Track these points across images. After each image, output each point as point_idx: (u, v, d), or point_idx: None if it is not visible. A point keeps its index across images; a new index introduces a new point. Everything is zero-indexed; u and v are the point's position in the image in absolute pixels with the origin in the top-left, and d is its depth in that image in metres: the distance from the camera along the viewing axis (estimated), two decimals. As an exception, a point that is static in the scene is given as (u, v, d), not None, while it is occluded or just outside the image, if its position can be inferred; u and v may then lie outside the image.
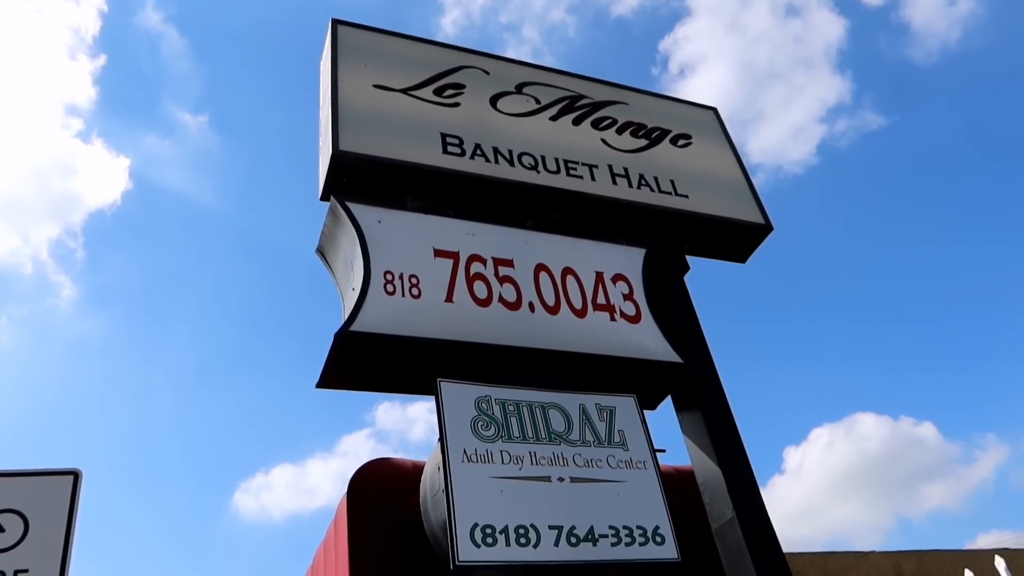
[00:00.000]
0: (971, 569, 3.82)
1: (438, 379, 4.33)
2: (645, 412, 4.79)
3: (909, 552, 7.00)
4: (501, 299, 4.83)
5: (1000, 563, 3.86)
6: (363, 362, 4.54)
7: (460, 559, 3.75)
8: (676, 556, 4.19)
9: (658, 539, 4.21)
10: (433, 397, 4.40)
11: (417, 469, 5.11)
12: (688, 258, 6.01)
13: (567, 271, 5.17)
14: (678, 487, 5.13)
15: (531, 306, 4.87)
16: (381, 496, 4.96)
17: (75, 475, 3.16)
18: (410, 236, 4.90)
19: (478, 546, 3.82)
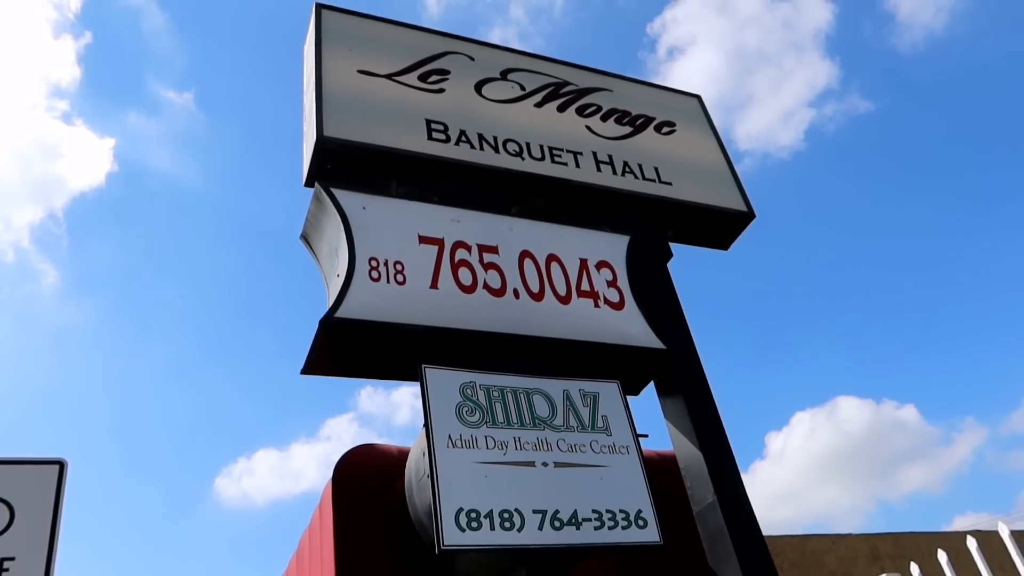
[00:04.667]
0: (945, 551, 3.91)
1: (423, 365, 4.35)
2: (628, 397, 4.85)
3: (886, 534, 7.14)
4: (486, 285, 4.85)
5: (972, 543, 3.95)
6: (348, 348, 4.55)
7: (445, 543, 3.79)
8: (658, 539, 4.26)
9: (640, 523, 4.27)
10: (418, 383, 4.44)
11: (402, 455, 5.14)
12: (672, 245, 6.05)
13: (552, 258, 5.20)
14: (660, 471, 5.19)
15: (515, 292, 4.90)
16: (366, 482, 4.99)
17: (61, 464, 3.16)
18: (395, 222, 4.90)
19: (463, 530, 3.86)
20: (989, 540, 2.31)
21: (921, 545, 7.10)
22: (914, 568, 2.19)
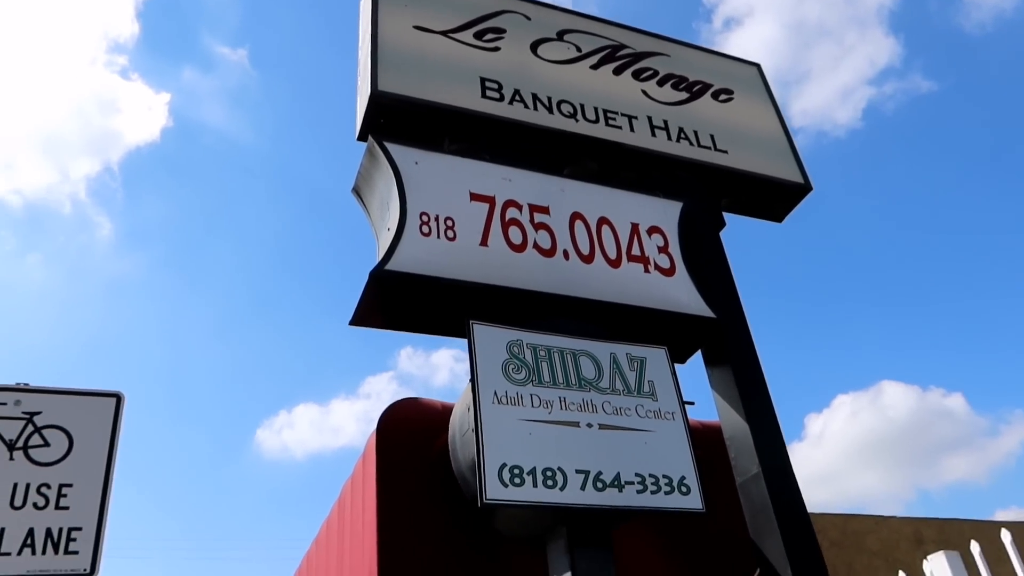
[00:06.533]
0: (987, 540, 3.80)
1: (471, 321, 4.34)
2: (675, 365, 4.79)
3: (931, 519, 6.99)
4: (536, 245, 4.81)
5: (1006, 536, 3.83)
6: (396, 301, 4.57)
7: (488, 497, 3.80)
8: (701, 507, 4.22)
9: (684, 489, 4.24)
10: (464, 339, 4.44)
11: (446, 410, 5.17)
12: (725, 216, 5.93)
13: (603, 221, 5.13)
14: (702, 441, 5.14)
15: (565, 254, 4.85)
16: (410, 434, 5.03)
17: (118, 397, 3.23)
18: (447, 179, 4.88)
19: (506, 485, 3.87)
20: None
21: (966, 533, 6.96)
22: (975, 546, 2.12)
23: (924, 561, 2.41)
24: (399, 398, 5.25)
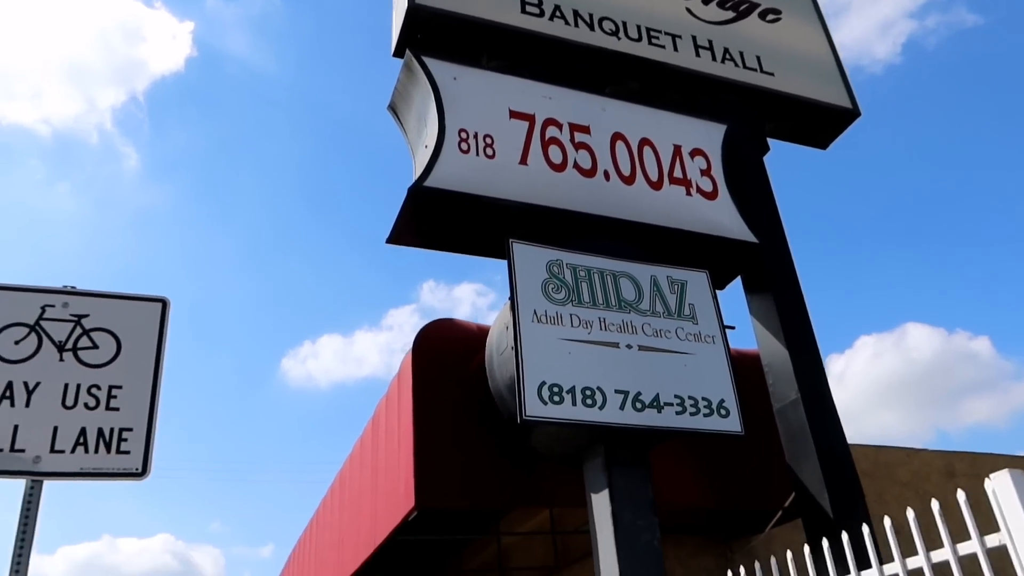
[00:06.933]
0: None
1: (511, 240, 4.29)
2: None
3: (963, 453, 6.97)
4: (576, 165, 4.71)
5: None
6: (434, 219, 4.51)
7: (527, 414, 3.81)
8: (740, 430, 4.21)
9: (723, 412, 4.22)
10: (494, 265, 4.39)
11: (481, 332, 5.17)
12: (768, 140, 5.76)
13: (644, 142, 5.00)
14: (737, 369, 5.11)
15: (606, 174, 4.75)
16: (445, 353, 5.04)
17: (164, 302, 3.24)
18: (486, 95, 4.76)
19: (545, 403, 3.87)
20: None
21: (1000, 467, 6.91)
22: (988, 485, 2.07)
23: (963, 489, 2.36)
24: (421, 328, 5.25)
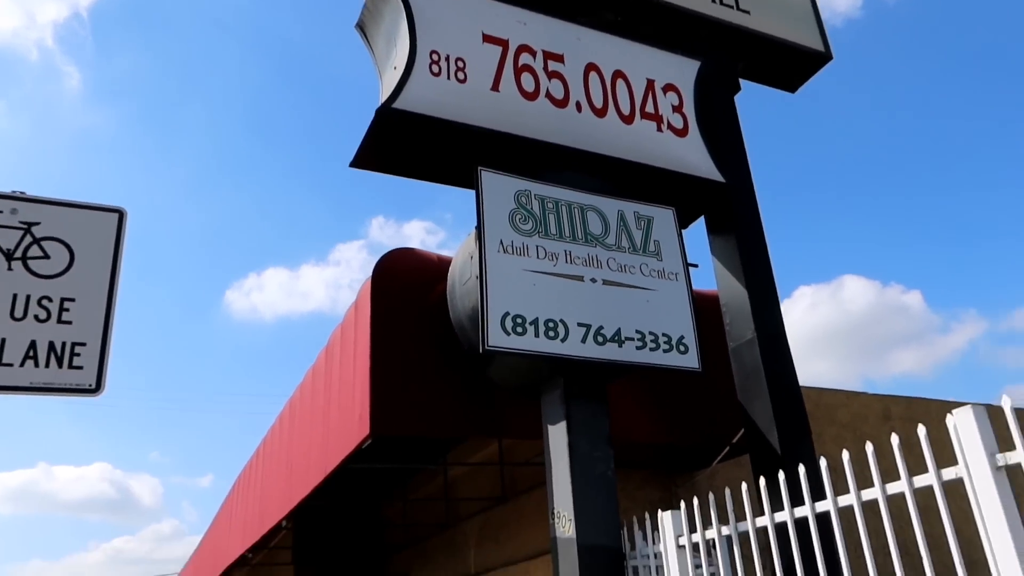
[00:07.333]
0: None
1: (479, 168, 4.20)
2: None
3: (898, 397, 7.24)
4: (548, 94, 4.61)
5: (967, 414, 3.92)
6: (401, 143, 4.39)
7: (490, 344, 3.80)
8: (698, 366, 4.27)
9: (682, 348, 4.28)
10: (468, 192, 4.32)
11: (442, 262, 5.10)
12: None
13: (618, 74, 4.91)
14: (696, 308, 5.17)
15: (578, 105, 4.67)
16: (405, 281, 4.98)
17: (120, 213, 3.09)
18: (459, 17, 4.59)
19: (508, 334, 3.86)
20: (996, 414, 2.30)
21: (932, 411, 7.21)
22: (1006, 400, 2.15)
23: (913, 429, 2.46)
24: (366, 270, 5.17)
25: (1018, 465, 2.19)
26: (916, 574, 2.54)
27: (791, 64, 5.86)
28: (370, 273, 5.04)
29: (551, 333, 3.97)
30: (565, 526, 3.85)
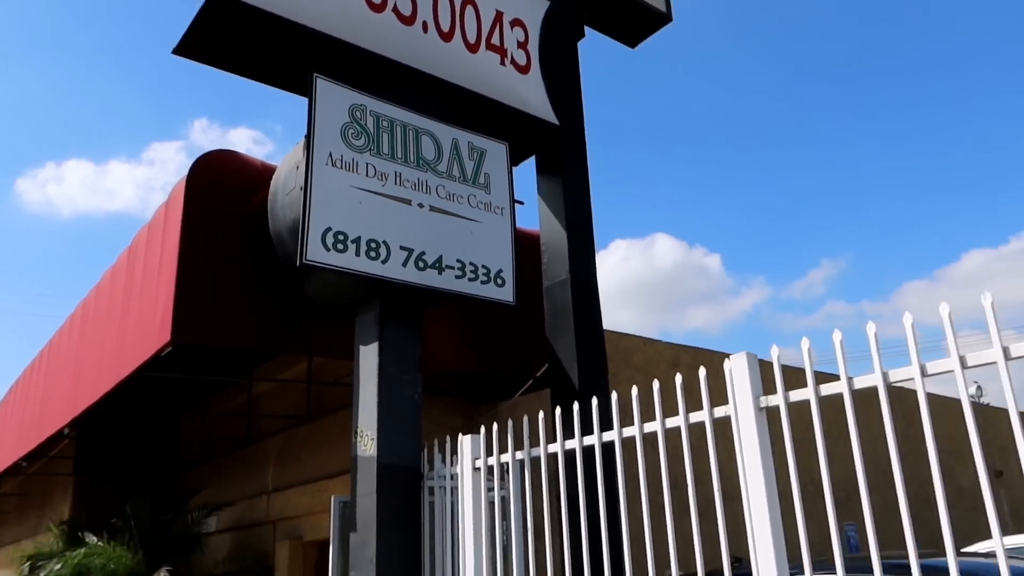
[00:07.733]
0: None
1: (315, 74, 4.02)
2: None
3: (688, 346, 7.93)
4: (395, 9, 4.46)
5: (775, 351, 4.40)
6: (232, 35, 4.10)
7: (308, 258, 3.71)
8: (512, 300, 4.41)
9: (499, 281, 4.39)
10: (302, 99, 4.13)
11: (266, 169, 4.87)
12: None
13: (468, 1, 4.84)
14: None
15: (424, 26, 4.56)
16: (224, 185, 4.71)
17: None
18: (307, -92, 4.30)
19: (328, 249, 3.78)
20: (767, 368, 2.65)
21: (715, 361, 7.90)
22: (774, 350, 2.43)
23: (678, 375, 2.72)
24: (182, 173, 4.86)
25: (776, 408, 2.48)
26: (681, 505, 2.83)
27: (633, 19, 6.04)
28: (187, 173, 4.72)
29: (372, 253, 3.93)
30: (367, 445, 3.90)
